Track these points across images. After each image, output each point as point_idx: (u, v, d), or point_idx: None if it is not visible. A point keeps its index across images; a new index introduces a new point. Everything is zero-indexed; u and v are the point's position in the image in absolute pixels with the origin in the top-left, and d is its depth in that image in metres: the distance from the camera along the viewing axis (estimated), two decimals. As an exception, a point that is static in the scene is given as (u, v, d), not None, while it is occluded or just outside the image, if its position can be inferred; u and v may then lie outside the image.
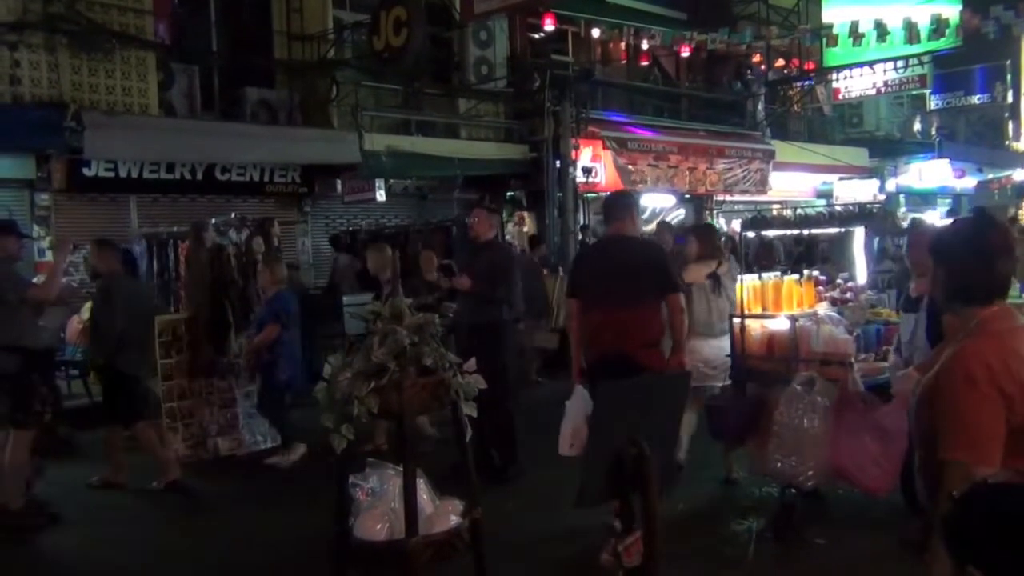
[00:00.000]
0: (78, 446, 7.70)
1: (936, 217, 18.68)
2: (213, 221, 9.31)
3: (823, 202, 19.32)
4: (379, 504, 2.93)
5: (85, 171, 10.78)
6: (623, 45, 16.99)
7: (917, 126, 25.57)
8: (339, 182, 13.28)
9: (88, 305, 10.66)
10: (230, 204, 11.79)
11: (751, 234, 6.12)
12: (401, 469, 2.90)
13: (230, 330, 7.66)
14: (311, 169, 12.74)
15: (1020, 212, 25.19)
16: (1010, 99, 26.73)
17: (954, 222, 3.05)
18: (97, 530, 5.92)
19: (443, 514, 3.01)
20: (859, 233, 7.05)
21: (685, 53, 16.82)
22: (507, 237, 13.41)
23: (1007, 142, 28.40)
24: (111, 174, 11.04)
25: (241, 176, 12.17)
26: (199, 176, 11.74)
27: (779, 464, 4.90)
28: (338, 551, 3.01)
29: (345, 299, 10.58)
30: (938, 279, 2.53)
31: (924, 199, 23.08)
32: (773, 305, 5.85)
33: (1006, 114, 28.36)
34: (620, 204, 5.41)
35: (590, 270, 5.25)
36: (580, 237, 13.92)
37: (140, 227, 11.67)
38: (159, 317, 7.91)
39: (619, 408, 3.09)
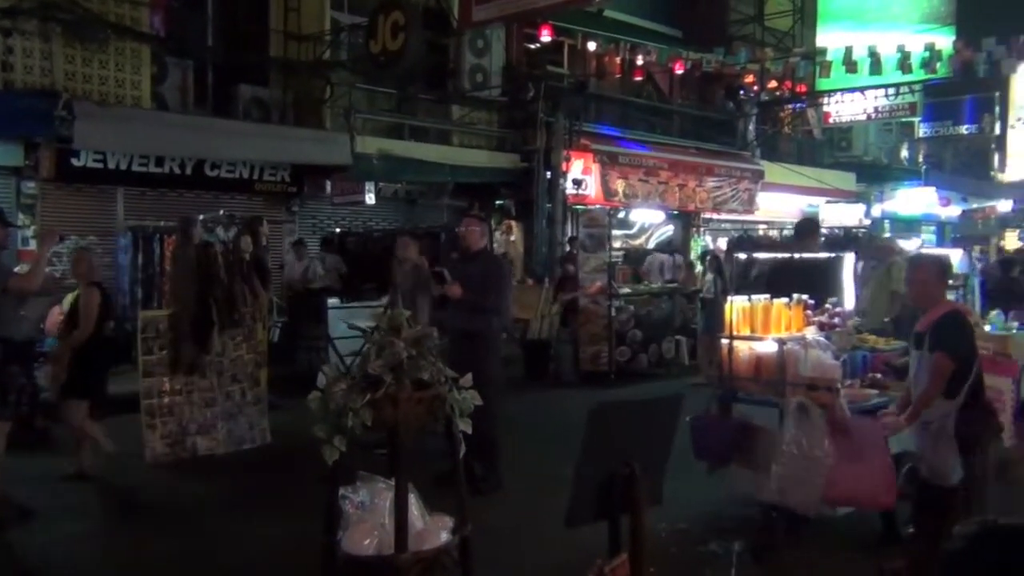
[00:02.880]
0: (55, 439, 7.59)
1: (918, 244, 18.86)
2: (201, 217, 9.25)
3: (809, 224, 19.41)
4: (368, 518, 2.90)
5: (74, 161, 10.70)
6: (618, 60, 17.07)
7: (904, 153, 25.81)
8: (328, 183, 13.24)
9: (70, 296, 10.59)
10: (218, 201, 11.73)
11: (742, 255, 6.14)
12: (391, 483, 2.88)
13: (214, 328, 7.59)
14: (301, 169, 12.70)
15: (1003, 242, 25.52)
16: (997, 131, 27.05)
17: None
18: (67, 527, 5.82)
19: (433, 530, 2.97)
20: (848, 258, 7.07)
21: (678, 71, 16.91)
22: (495, 246, 13.40)
23: (992, 173, 28.75)
24: (100, 165, 10.97)
25: (231, 173, 12.11)
26: (188, 171, 11.68)
27: (792, 491, 4.90)
28: (325, 564, 2.97)
29: (330, 301, 10.53)
30: None
31: (909, 226, 23.29)
32: (761, 327, 5.85)
33: (992, 145, 28.71)
34: (811, 227, 7.29)
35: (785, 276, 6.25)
36: (568, 249, 13.93)
37: (126, 220, 11.60)
38: (142, 313, 7.85)
39: (612, 428, 3.08)
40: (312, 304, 10.96)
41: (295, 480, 6.74)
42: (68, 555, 5.35)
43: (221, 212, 9.85)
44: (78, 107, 10.17)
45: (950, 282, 5.77)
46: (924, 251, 10.18)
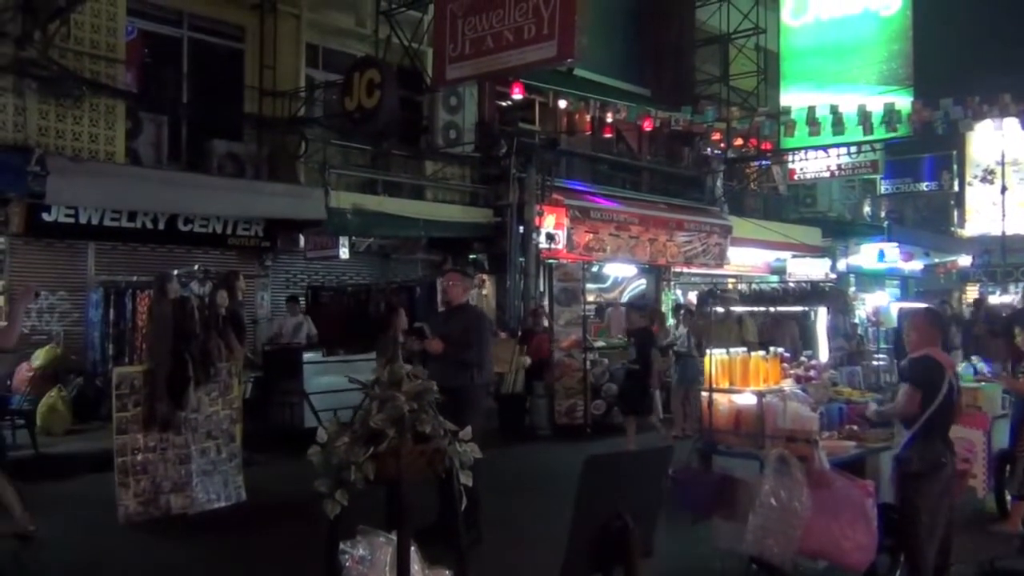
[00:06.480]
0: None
1: (885, 299, 19.19)
2: (176, 272, 9.20)
3: (776, 278, 19.74)
4: (370, 573, 2.88)
5: (44, 216, 10.64)
6: (588, 117, 17.37)
7: (867, 209, 26.41)
8: (302, 238, 13.24)
9: (40, 352, 10.44)
10: (190, 255, 11.69)
11: (720, 309, 6.24)
12: (392, 537, 2.87)
13: (189, 384, 7.49)
14: (274, 223, 12.70)
15: (964, 296, 26.06)
16: (955, 188, 27.84)
17: None
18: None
19: (433, 585, 2.96)
20: (822, 312, 7.21)
21: (647, 128, 17.26)
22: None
23: (952, 228, 29.50)
24: (71, 220, 10.91)
25: (204, 228, 12.08)
26: (161, 226, 11.64)
27: (768, 542, 4.92)
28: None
29: (307, 356, 10.49)
30: None
31: (874, 279, 23.74)
32: (740, 380, 5.92)
33: (952, 202, 29.52)
34: None
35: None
36: (544, 302, 13.99)
37: (97, 275, 11.51)
38: (117, 369, 7.75)
39: (605, 481, 3.10)
40: (287, 359, 10.87)
41: (277, 538, 6.64)
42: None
43: (196, 267, 9.81)
44: (51, 162, 10.14)
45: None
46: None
